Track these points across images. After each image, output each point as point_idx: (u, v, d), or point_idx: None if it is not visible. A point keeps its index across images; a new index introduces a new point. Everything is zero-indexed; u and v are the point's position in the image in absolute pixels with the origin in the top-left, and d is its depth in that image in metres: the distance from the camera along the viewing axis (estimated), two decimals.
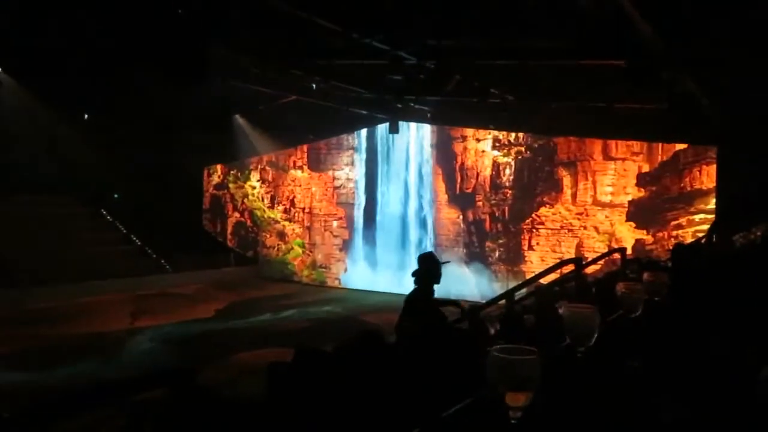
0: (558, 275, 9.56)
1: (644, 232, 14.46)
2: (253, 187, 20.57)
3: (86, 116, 16.82)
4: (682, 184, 14.00)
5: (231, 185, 21.09)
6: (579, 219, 15.14)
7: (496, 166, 16.37)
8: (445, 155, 17.18)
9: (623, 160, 14.77)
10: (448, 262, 5.02)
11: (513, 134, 16.14)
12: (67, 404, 7.41)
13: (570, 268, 9.32)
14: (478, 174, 16.63)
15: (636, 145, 14.64)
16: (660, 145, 14.37)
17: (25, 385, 8.76)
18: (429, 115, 15.90)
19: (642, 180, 14.60)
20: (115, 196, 20.14)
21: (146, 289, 16.42)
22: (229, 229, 21.18)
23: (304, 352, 3.43)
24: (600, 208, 14.95)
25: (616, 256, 10.26)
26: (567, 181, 15.32)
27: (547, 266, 11.92)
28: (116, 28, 9.59)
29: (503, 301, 8.94)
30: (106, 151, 16.49)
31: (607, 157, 14.91)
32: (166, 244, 18.72)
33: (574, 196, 15.25)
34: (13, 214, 16.82)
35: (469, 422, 1.33)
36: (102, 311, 14.09)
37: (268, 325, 13.36)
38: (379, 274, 18.01)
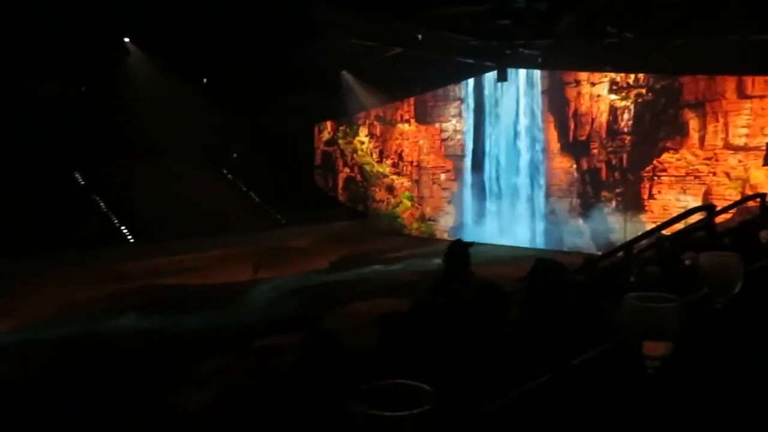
0: (682, 225, 8.98)
1: None
2: (362, 142, 20.88)
3: (205, 80, 17.73)
4: None
5: (340, 141, 21.55)
6: (707, 164, 13.99)
7: (613, 110, 15.40)
8: (557, 102, 16.40)
9: (761, 97, 13.34)
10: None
11: (632, 76, 15.03)
12: (201, 348, 8.10)
13: (695, 218, 8.72)
14: (593, 120, 15.76)
15: None
16: None
17: (165, 331, 9.68)
18: (539, 60, 15.20)
19: None
20: (234, 155, 21.27)
21: (265, 242, 17.32)
22: (340, 184, 21.77)
23: (419, 304, 3.50)
24: (732, 152, 13.70)
25: (752, 203, 9.43)
26: (694, 123, 14.14)
27: (671, 216, 11.22)
28: None
29: (621, 253, 8.57)
30: (224, 113, 17.37)
31: (742, 95, 13.53)
32: (282, 200, 19.63)
33: (702, 139, 14.07)
34: (146, 175, 18.32)
35: (600, 371, 1.29)
36: (227, 263, 15.10)
37: (380, 277, 13.72)
38: (488, 226, 17.81)
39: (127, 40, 14.85)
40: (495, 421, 1.13)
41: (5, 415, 5.80)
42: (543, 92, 16.72)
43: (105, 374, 7.11)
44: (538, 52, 14.70)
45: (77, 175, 17.96)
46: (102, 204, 17.27)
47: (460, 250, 4.00)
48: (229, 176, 21.02)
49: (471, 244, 4.15)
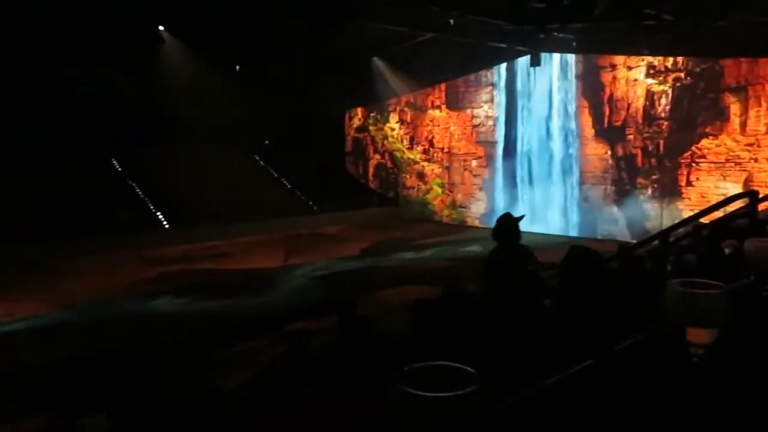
0: (722, 213, 8.74)
1: None
2: (393, 129, 20.82)
3: (237, 68, 17.87)
4: None
5: (371, 128, 21.52)
6: (749, 150, 13.56)
7: (650, 95, 15.02)
8: (592, 87, 16.06)
9: None
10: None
11: (670, 59, 14.63)
12: (233, 332, 8.23)
13: (735, 206, 8.47)
14: (629, 105, 15.40)
15: None
16: None
17: (198, 315, 9.87)
18: (574, 44, 14.87)
19: None
20: (266, 142, 21.44)
21: (296, 229, 17.50)
22: (371, 171, 21.77)
23: (452, 290, 3.49)
24: None
25: None
26: (735, 108, 13.70)
27: (709, 203, 10.93)
28: None
29: (656, 242, 8.39)
30: (256, 100, 17.50)
31: None
32: (313, 186, 19.75)
33: (743, 125, 13.63)
34: (180, 162, 18.63)
35: (643, 357, 1.26)
36: (258, 249, 15.30)
37: (411, 264, 13.72)
38: (520, 213, 17.60)
39: (161, 28, 15.04)
40: (539, 403, 1.11)
41: (50, 393, 6.00)
42: (577, 77, 16.39)
43: (140, 355, 7.29)
44: (573, 35, 14.39)
45: (114, 162, 18.33)
46: (138, 190, 17.61)
47: (509, 224, 3.91)
48: (261, 163, 21.21)
49: (521, 217, 4.06)
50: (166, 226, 16.71)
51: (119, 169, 18.35)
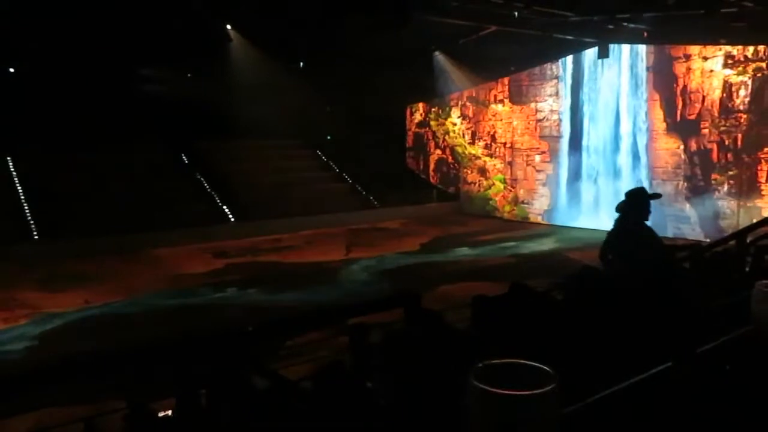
0: None
1: None
2: (454, 124, 20.65)
3: (301, 64, 18.16)
4: None
5: (432, 123, 21.42)
6: None
7: (727, 87, 14.26)
8: (664, 78, 15.38)
9: None
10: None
11: (751, 48, 13.83)
12: (296, 323, 8.35)
13: None
14: (704, 97, 14.67)
15: None
16: None
17: (262, 305, 10.11)
18: (645, 34, 14.32)
19: None
20: (328, 137, 21.70)
21: (357, 223, 17.66)
22: (432, 166, 21.69)
23: (519, 287, 3.41)
24: None
25: None
26: None
27: None
28: None
29: (733, 242, 7.97)
30: (319, 95, 17.76)
31: None
32: (374, 181, 19.86)
33: None
34: (245, 157, 19.13)
35: (728, 360, 1.19)
36: (321, 243, 15.53)
37: (471, 259, 13.59)
38: (585, 209, 17.14)
39: (229, 27, 15.48)
40: (617, 405, 1.07)
41: (124, 376, 6.29)
42: (648, 69, 15.74)
43: (208, 341, 7.51)
44: (644, 25, 13.85)
45: (183, 156, 18.99)
46: (206, 185, 18.19)
47: (640, 197, 3.84)
48: (324, 158, 21.51)
49: (655, 195, 3.94)
50: (232, 219, 17.20)
51: (187, 163, 19.01)
